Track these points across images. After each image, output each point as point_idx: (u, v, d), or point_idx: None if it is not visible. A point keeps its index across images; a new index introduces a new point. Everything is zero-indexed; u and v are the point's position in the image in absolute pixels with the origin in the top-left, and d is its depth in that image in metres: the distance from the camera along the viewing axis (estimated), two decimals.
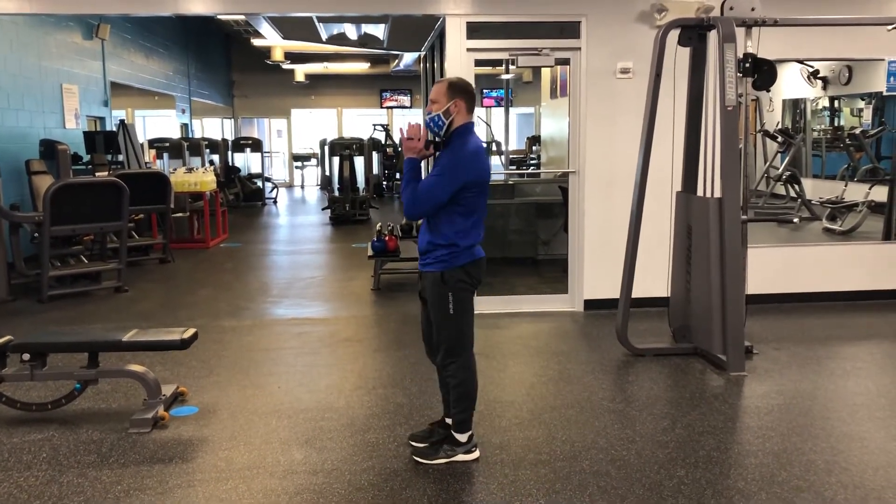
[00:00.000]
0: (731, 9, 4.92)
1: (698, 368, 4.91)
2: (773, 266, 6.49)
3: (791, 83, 12.07)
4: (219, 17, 14.68)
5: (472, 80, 6.18)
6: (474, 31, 6.16)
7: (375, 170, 17.31)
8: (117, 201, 7.32)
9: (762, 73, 4.92)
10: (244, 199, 16.24)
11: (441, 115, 3.36)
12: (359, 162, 14.60)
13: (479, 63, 6.33)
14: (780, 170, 10.75)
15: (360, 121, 21.59)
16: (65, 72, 10.22)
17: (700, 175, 5.28)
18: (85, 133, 10.42)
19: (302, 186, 21.39)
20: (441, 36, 6.96)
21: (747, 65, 4.87)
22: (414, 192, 3.32)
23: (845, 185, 9.54)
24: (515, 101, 19.12)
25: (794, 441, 3.74)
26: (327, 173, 15.03)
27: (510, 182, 9.06)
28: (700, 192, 5.26)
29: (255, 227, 13.01)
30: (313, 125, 22.14)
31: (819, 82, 11.61)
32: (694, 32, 5.11)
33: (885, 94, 9.64)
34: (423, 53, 9.70)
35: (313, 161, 20.22)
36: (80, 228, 7.34)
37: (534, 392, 4.50)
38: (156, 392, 4.10)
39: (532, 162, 17.07)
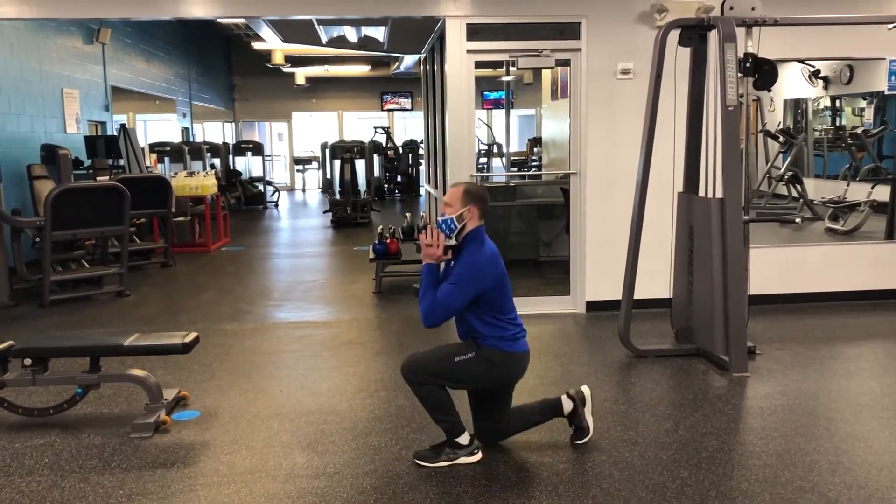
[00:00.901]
0: (732, 9, 4.91)
1: (701, 369, 4.90)
2: (775, 266, 6.47)
3: (792, 83, 12.05)
4: (219, 20, 14.70)
5: (472, 82, 6.21)
6: (474, 32, 6.16)
7: (377, 172, 17.35)
8: (118, 206, 7.32)
9: (763, 72, 4.92)
10: (245, 202, 16.26)
11: (454, 219, 3.43)
12: (360, 165, 14.62)
13: (479, 65, 6.32)
14: (782, 170, 10.73)
15: (361, 124, 21.61)
16: (66, 76, 10.23)
17: (701, 175, 5.27)
18: (86, 137, 10.43)
19: (303, 190, 21.40)
20: (441, 38, 6.96)
21: (748, 65, 4.86)
22: (433, 301, 3.36)
23: (847, 185, 9.52)
24: (516, 102, 19.12)
25: (797, 442, 3.73)
26: (328, 176, 15.05)
27: (511, 184, 9.05)
28: (702, 193, 5.25)
29: (257, 231, 13.01)
30: (314, 128, 22.15)
31: (820, 82, 11.59)
32: (694, 32, 5.10)
33: (886, 93, 9.62)
34: (423, 55, 9.70)
35: (314, 164, 20.24)
36: (82, 233, 7.34)
37: (536, 394, 4.48)
38: (157, 396, 4.09)
39: (533, 164, 17.07)
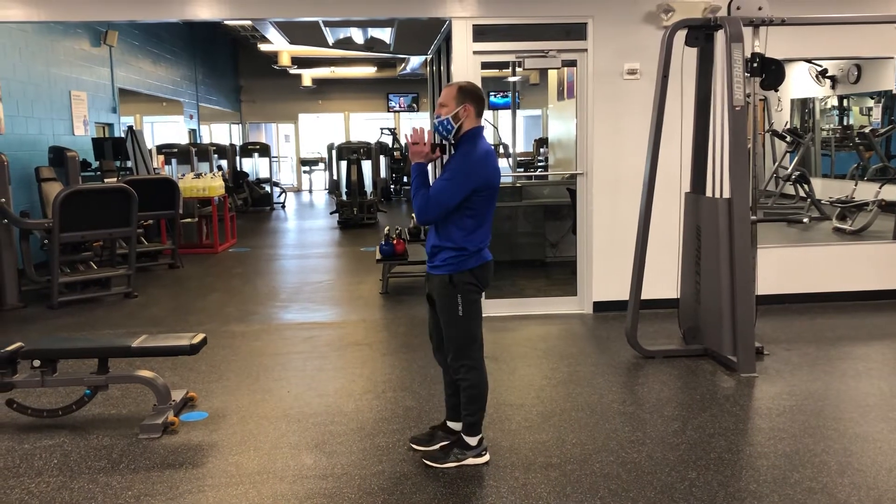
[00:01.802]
0: (738, 8, 4.90)
1: (709, 370, 4.89)
2: (783, 266, 6.46)
3: (799, 82, 12.02)
4: (225, 22, 14.74)
5: (478, 83, 6.20)
6: (480, 33, 6.16)
7: (383, 173, 17.35)
8: (126, 207, 7.35)
9: (770, 72, 4.90)
10: (252, 203, 16.28)
11: (450, 118, 3.36)
12: (366, 166, 14.62)
13: (485, 66, 6.32)
14: (790, 170, 10.70)
15: (368, 125, 21.63)
16: (73, 79, 10.27)
17: (709, 175, 5.26)
18: (94, 139, 10.47)
19: (310, 191, 21.42)
20: (447, 39, 6.96)
21: (755, 64, 4.84)
22: (425, 197, 3.31)
23: (855, 185, 9.49)
24: (522, 103, 19.11)
25: (806, 442, 3.72)
26: (335, 177, 15.05)
27: (518, 184, 9.04)
28: (709, 193, 5.24)
29: (264, 232, 13.03)
30: (321, 129, 22.18)
31: (828, 81, 11.56)
32: (701, 32, 5.09)
33: (894, 92, 9.59)
34: (429, 56, 9.71)
35: (321, 165, 20.26)
36: (90, 235, 7.37)
37: (543, 395, 4.49)
38: (165, 397, 4.10)
39: (539, 164, 17.06)
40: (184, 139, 15.52)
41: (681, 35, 5.04)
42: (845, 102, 11.66)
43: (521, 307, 6.53)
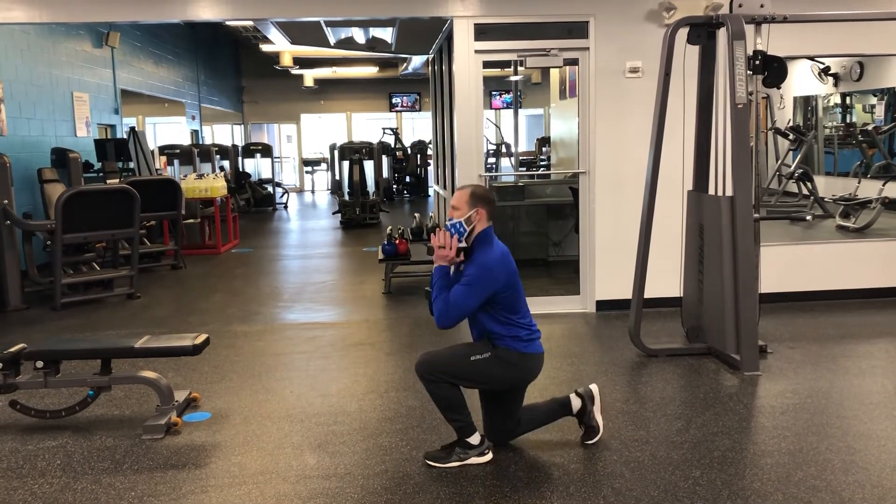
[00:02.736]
0: (740, 6, 4.89)
1: (712, 368, 4.88)
2: (786, 264, 6.44)
3: (802, 80, 12.00)
4: (227, 23, 14.74)
5: (480, 82, 6.21)
6: (482, 32, 6.15)
7: (385, 173, 17.36)
8: (129, 208, 7.35)
9: (772, 70, 4.89)
10: (255, 204, 16.30)
11: (463, 222, 3.44)
12: (369, 166, 14.63)
13: (487, 65, 6.32)
14: (792, 167, 10.69)
15: (370, 125, 21.64)
16: (75, 80, 10.29)
17: (711, 174, 5.25)
18: (96, 141, 10.48)
19: (312, 191, 21.44)
20: (449, 38, 6.95)
21: (757, 62, 4.83)
22: (446, 302, 3.36)
23: (858, 182, 9.47)
24: (524, 102, 19.10)
25: (810, 441, 3.71)
26: (337, 178, 15.07)
27: (520, 184, 9.04)
28: (711, 191, 5.23)
29: (266, 233, 13.04)
30: (323, 130, 22.19)
31: (830, 79, 11.54)
32: (703, 30, 5.09)
33: None
34: (431, 56, 9.70)
35: (323, 166, 20.28)
36: (92, 236, 7.38)
37: (546, 394, 4.47)
38: (168, 398, 4.10)
39: (542, 163, 17.06)
40: (186, 140, 15.54)
41: (683, 33, 5.03)
42: (848, 100, 11.65)
43: None
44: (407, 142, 19.31)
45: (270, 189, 17.03)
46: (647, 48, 6.00)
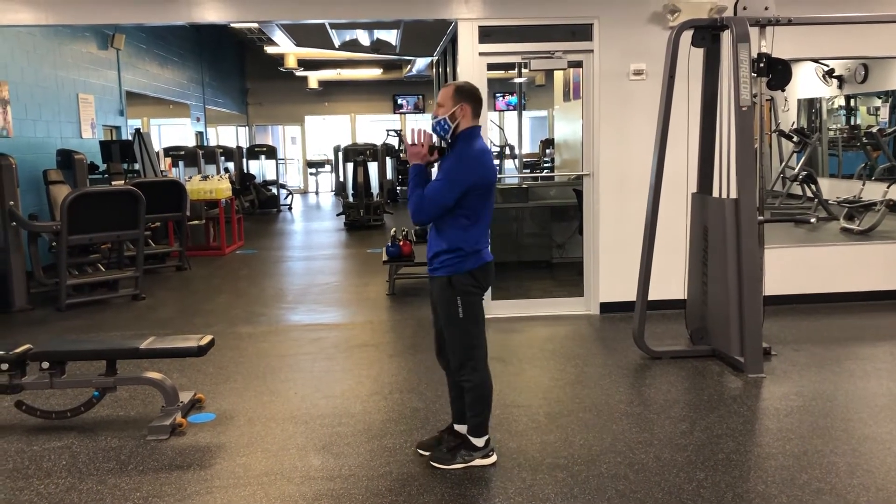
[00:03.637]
0: (745, 8, 4.89)
1: (716, 371, 4.88)
2: (790, 267, 6.44)
3: (806, 82, 11.99)
4: (232, 25, 14.77)
5: (484, 85, 6.21)
6: (486, 35, 6.16)
7: (389, 175, 17.36)
8: (134, 210, 7.37)
9: (776, 72, 4.89)
10: (259, 206, 16.31)
11: (447, 118, 3.37)
12: (373, 168, 14.63)
13: (491, 67, 6.32)
14: (797, 170, 10.67)
15: (374, 126, 21.64)
16: (81, 82, 10.31)
17: (715, 176, 5.25)
18: (101, 142, 10.50)
19: (316, 193, 21.45)
20: (453, 40, 6.97)
21: (761, 64, 4.84)
22: (420, 196, 3.32)
23: (863, 185, 9.45)
24: (528, 104, 19.09)
25: (814, 443, 3.70)
26: (341, 179, 15.08)
27: (524, 185, 9.04)
28: (716, 193, 5.23)
29: (271, 234, 13.06)
30: (327, 131, 22.21)
31: (834, 81, 11.53)
32: (707, 33, 5.09)
33: None
34: (435, 58, 9.71)
35: (327, 167, 20.29)
36: (98, 237, 7.40)
37: (550, 396, 4.49)
38: (173, 399, 4.12)
39: (546, 165, 17.05)
40: (191, 142, 15.56)
41: (687, 35, 5.03)
42: (852, 102, 11.63)
43: (527, 308, 6.53)
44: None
45: (275, 190, 17.05)
46: (652, 51, 6.00)
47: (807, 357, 5.10)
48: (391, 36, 9.92)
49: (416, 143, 3.39)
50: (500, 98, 19.25)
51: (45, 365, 4.09)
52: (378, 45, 10.85)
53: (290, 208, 17.06)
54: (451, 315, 3.42)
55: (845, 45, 6.31)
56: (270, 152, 17.88)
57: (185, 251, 9.30)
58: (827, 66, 11.34)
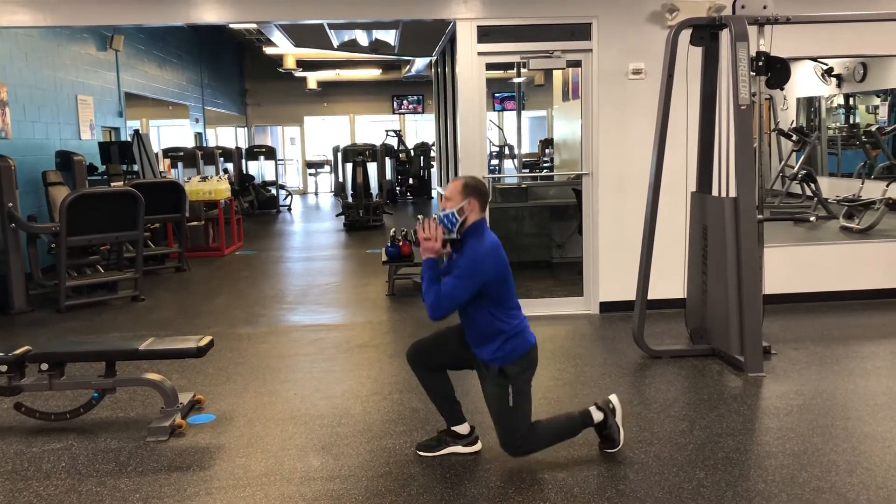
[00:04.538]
0: (743, 7, 4.89)
1: (716, 370, 4.88)
2: (790, 265, 6.44)
3: (805, 81, 12.00)
4: (230, 25, 14.77)
5: (483, 84, 6.21)
6: (485, 34, 6.16)
7: (388, 175, 17.37)
8: (133, 211, 7.37)
9: (775, 71, 4.89)
10: (259, 206, 16.32)
11: (455, 212, 3.40)
12: (372, 168, 14.63)
13: (490, 66, 6.32)
14: (796, 168, 10.68)
15: (373, 127, 21.65)
16: (80, 83, 10.31)
17: (715, 175, 5.25)
18: (100, 144, 10.51)
19: (316, 193, 21.46)
20: (452, 40, 6.96)
21: (760, 63, 4.84)
22: (437, 294, 3.34)
23: (862, 183, 9.45)
24: (528, 104, 19.11)
25: (814, 442, 3.70)
26: (341, 180, 15.08)
27: (523, 185, 9.04)
28: (715, 192, 5.23)
29: (270, 235, 13.06)
30: (326, 132, 22.22)
31: (833, 80, 11.54)
32: (706, 32, 5.09)
33: None
34: (434, 58, 9.70)
35: (327, 168, 20.30)
36: (97, 238, 7.39)
37: (550, 395, 4.48)
38: (173, 400, 4.11)
39: (545, 165, 17.06)
40: (190, 143, 15.57)
41: (686, 34, 5.03)
42: (851, 101, 11.64)
43: (527, 308, 6.39)
44: (410, 144, 19.33)
45: (274, 191, 17.05)
46: (650, 50, 6.00)
47: (806, 356, 5.10)
48: (390, 36, 9.92)
49: (430, 236, 3.40)
50: (498, 100, 19.28)
51: (45, 366, 4.09)
52: (377, 46, 10.85)
53: (289, 209, 17.06)
54: (501, 402, 3.44)
55: (844, 44, 6.31)
56: (269, 153, 17.89)
57: (185, 252, 9.30)
58: (826, 64, 11.35)
